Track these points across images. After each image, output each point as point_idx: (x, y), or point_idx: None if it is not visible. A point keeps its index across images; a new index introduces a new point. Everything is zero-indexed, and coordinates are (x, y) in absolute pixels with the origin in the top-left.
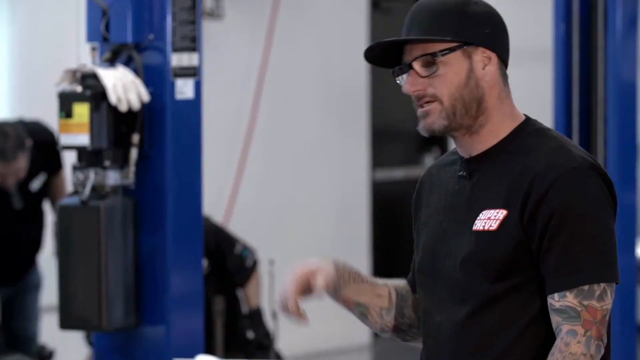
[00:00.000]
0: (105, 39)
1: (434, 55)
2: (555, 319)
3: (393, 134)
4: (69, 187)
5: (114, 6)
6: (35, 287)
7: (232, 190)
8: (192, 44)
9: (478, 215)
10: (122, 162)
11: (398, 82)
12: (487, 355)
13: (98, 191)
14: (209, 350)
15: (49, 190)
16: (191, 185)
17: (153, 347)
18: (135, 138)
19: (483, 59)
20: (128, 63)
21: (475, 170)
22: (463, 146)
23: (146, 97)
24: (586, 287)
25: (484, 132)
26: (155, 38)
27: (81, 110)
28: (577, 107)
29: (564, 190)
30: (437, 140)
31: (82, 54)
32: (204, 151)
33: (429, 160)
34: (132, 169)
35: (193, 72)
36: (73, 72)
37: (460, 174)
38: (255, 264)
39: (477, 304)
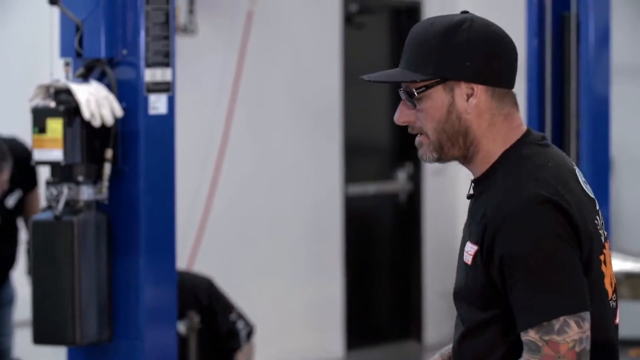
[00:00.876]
0: (78, 54)
1: (411, 94)
2: (523, 352)
3: (366, 148)
4: (42, 203)
5: (87, 21)
6: (8, 302)
7: (205, 204)
8: (166, 59)
9: (465, 245)
10: (95, 177)
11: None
12: None
13: (71, 206)
14: None
15: (24, 207)
16: (164, 200)
17: None
18: (109, 153)
19: (466, 91)
20: (101, 78)
21: (475, 194)
22: (469, 170)
23: (119, 112)
24: (545, 324)
25: (478, 158)
26: (128, 53)
27: (55, 126)
28: (550, 122)
29: (511, 230)
30: (410, 156)
31: (56, 69)
32: (177, 166)
33: (402, 175)
34: (105, 184)
35: (166, 88)
36: (46, 87)
37: (467, 196)
38: (250, 334)
39: (467, 329)
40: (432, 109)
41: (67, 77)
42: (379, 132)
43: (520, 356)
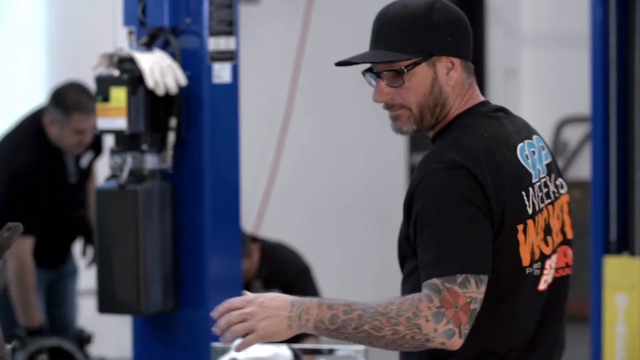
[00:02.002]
0: (142, 23)
1: (400, 71)
2: (423, 289)
3: None
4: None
5: None
6: (72, 273)
7: (269, 173)
8: (229, 27)
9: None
10: (159, 146)
11: (368, 82)
12: None
13: (136, 175)
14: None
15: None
16: (229, 169)
17: (191, 331)
18: (173, 122)
19: (447, 65)
20: (165, 47)
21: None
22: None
23: (183, 81)
24: (448, 276)
25: (441, 123)
26: (192, 22)
27: (118, 94)
28: (615, 92)
29: (423, 191)
30: None
31: (119, 38)
32: (241, 134)
33: None
34: (169, 152)
35: (230, 56)
36: (110, 56)
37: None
38: None
39: (403, 277)
40: (417, 84)
41: (130, 46)
42: None
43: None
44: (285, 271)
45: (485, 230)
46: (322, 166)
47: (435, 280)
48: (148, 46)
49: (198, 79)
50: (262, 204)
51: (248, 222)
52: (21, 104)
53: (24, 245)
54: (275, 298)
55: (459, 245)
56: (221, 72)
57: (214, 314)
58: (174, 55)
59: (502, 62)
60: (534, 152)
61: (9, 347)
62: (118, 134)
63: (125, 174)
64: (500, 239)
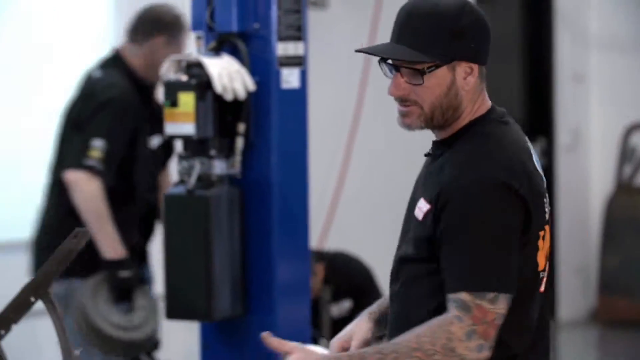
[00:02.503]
0: (210, 28)
1: (421, 71)
2: (448, 307)
3: None
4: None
5: None
6: (147, 280)
7: (337, 178)
8: (298, 32)
9: (419, 200)
10: (227, 152)
11: (382, 71)
12: (406, 325)
13: (204, 180)
14: (316, 340)
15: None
16: (297, 175)
17: (259, 336)
18: (241, 127)
19: (465, 70)
20: (233, 52)
21: (439, 154)
22: (435, 131)
23: (252, 86)
24: (480, 292)
25: (452, 125)
26: (260, 27)
27: (187, 99)
28: None
29: (464, 205)
30: (543, 131)
31: (188, 43)
32: (309, 140)
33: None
34: (238, 158)
35: (299, 61)
36: (178, 61)
37: (425, 154)
38: None
39: (404, 279)
40: (434, 85)
41: (198, 51)
42: (511, 108)
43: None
44: (351, 280)
45: (517, 249)
46: (391, 171)
47: (465, 296)
48: (216, 51)
49: (266, 84)
50: (330, 209)
51: (316, 227)
52: None
53: (95, 182)
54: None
55: (493, 263)
56: (289, 77)
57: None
58: (242, 61)
59: (570, 67)
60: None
61: (76, 352)
62: (186, 139)
63: (193, 180)
64: (526, 246)
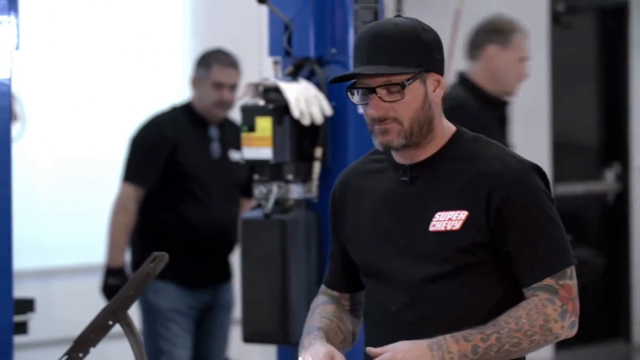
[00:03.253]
0: (287, 53)
1: (402, 85)
2: (534, 292)
3: (574, 148)
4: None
5: (296, 20)
6: (228, 304)
7: None
8: None
9: (432, 217)
10: (304, 176)
11: (352, 99)
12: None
13: (281, 205)
14: None
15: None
16: None
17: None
18: (318, 152)
19: (434, 83)
20: (310, 77)
21: (418, 176)
22: (404, 155)
23: (329, 111)
24: (560, 272)
25: (429, 144)
26: (337, 52)
27: (264, 124)
28: None
29: (521, 194)
30: (618, 155)
31: (265, 67)
32: None
33: (609, 174)
34: (315, 182)
35: None
36: (255, 86)
37: (402, 179)
38: None
39: (439, 297)
40: (412, 100)
41: (276, 76)
42: (587, 131)
43: (515, 301)
44: None
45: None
46: None
47: (549, 281)
48: (293, 76)
49: (343, 108)
50: None
51: None
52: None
53: (129, 191)
54: (411, 349)
55: (562, 242)
56: None
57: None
58: (319, 85)
59: None
60: None
61: None
62: (263, 164)
63: (270, 204)
64: None
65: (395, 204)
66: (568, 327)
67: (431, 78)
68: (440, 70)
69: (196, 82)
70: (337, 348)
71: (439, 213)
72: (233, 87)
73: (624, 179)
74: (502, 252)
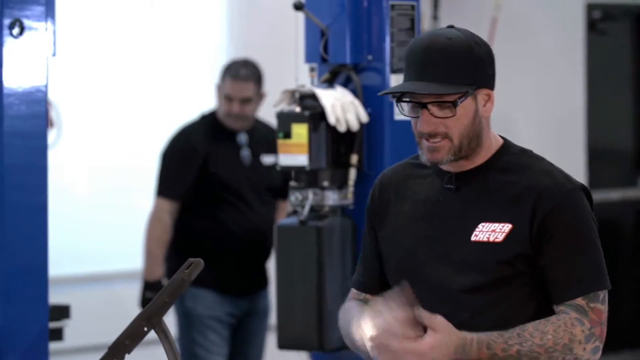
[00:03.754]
0: (323, 60)
1: (454, 104)
2: (564, 310)
3: (609, 154)
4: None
5: (332, 27)
6: (264, 311)
7: None
8: None
9: (475, 226)
10: (340, 183)
11: (401, 111)
12: None
13: (317, 211)
14: None
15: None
16: None
17: None
18: (354, 158)
19: (484, 97)
20: (346, 84)
21: (464, 184)
22: (451, 165)
23: (365, 117)
24: (592, 294)
25: (476, 155)
26: (373, 59)
27: (300, 131)
28: None
29: (567, 209)
30: None
31: (301, 74)
32: None
33: None
34: (350, 189)
35: None
36: (292, 93)
37: (447, 186)
38: None
39: (475, 307)
40: (463, 116)
41: (312, 83)
42: (623, 138)
43: (545, 317)
44: None
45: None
46: None
47: (580, 301)
48: (330, 83)
49: (379, 115)
50: None
51: None
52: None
53: (163, 204)
54: (440, 347)
55: (600, 264)
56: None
57: (374, 340)
58: (355, 92)
59: None
60: None
61: None
62: (299, 170)
63: (306, 210)
64: None
65: (437, 211)
66: (590, 351)
67: (482, 93)
68: (491, 85)
69: (216, 91)
70: None
71: (483, 224)
72: (245, 100)
73: None
74: (539, 266)
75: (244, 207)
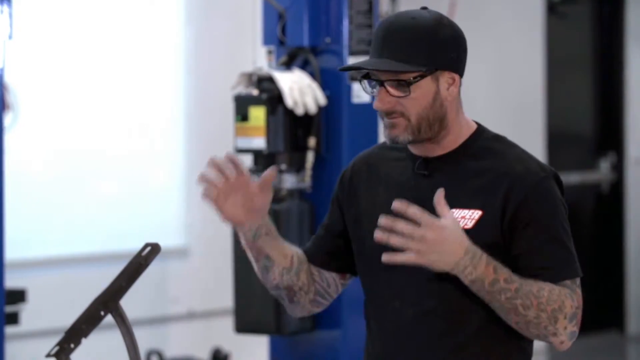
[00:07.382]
0: (281, 43)
1: (408, 82)
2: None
3: (569, 138)
4: None
5: (290, 9)
6: None
7: None
8: (369, 47)
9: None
10: (298, 166)
11: (362, 88)
12: (453, 341)
13: (274, 195)
14: None
15: None
16: None
17: (328, 351)
18: (312, 141)
19: (448, 81)
20: (304, 66)
21: (436, 169)
22: (418, 148)
23: (323, 100)
24: (577, 278)
25: (444, 140)
26: (331, 41)
27: (257, 114)
28: None
29: (540, 199)
30: (613, 145)
31: (258, 57)
32: None
33: (604, 164)
34: (308, 172)
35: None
36: (249, 76)
37: (419, 172)
38: None
39: (445, 296)
40: (420, 96)
41: (269, 65)
42: (582, 121)
43: (500, 328)
44: None
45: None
46: None
47: (568, 282)
48: (287, 65)
49: (337, 98)
50: None
51: None
52: (159, 124)
53: None
54: (455, 240)
55: (573, 253)
56: (360, 92)
57: (396, 205)
58: (313, 75)
59: None
60: None
61: None
62: (256, 154)
63: None
64: None
65: (409, 196)
66: (569, 334)
67: (445, 76)
68: (455, 68)
69: None
70: (280, 260)
71: (453, 210)
72: None
73: (618, 168)
74: (512, 255)
75: None
